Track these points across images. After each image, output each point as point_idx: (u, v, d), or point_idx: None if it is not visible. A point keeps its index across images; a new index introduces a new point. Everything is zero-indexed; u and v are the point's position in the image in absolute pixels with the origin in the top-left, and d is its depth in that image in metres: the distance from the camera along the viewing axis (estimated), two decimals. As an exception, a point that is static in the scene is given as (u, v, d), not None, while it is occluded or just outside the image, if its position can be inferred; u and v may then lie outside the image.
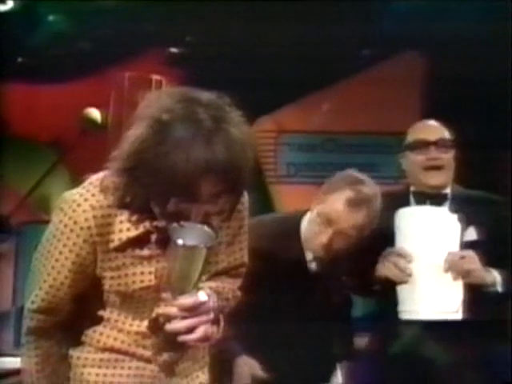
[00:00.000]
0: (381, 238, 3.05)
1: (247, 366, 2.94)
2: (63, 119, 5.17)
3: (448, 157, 3.26)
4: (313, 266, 2.99)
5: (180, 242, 1.90)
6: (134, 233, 1.98)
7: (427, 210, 3.20)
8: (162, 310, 1.98)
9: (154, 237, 1.99)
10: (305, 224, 2.96)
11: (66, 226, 1.98)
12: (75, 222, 1.97)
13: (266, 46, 5.06)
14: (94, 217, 1.96)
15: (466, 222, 3.12)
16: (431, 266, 3.08)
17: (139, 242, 1.99)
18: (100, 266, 2.00)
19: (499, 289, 3.11)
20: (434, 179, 3.22)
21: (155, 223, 1.96)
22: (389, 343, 3.15)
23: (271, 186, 5.76)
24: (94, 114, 4.69)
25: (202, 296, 1.97)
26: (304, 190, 5.50)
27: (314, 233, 2.92)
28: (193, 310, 1.93)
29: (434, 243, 3.11)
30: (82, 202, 1.98)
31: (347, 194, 2.88)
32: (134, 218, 1.95)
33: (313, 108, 5.71)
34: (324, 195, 2.93)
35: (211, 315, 1.97)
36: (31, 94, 5.40)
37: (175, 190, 1.81)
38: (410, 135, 3.34)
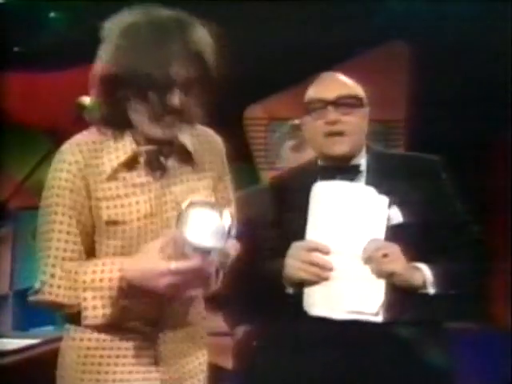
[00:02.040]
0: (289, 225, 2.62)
1: None
2: (59, 107, 4.89)
3: (351, 119, 2.65)
4: None
5: (189, 239, 1.87)
6: (122, 158, 2.11)
7: (336, 186, 2.61)
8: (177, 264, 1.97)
9: (142, 160, 2.12)
10: None
11: (56, 170, 2.14)
12: (64, 161, 2.12)
13: (254, 33, 5.12)
14: (81, 151, 2.11)
15: (390, 199, 2.56)
16: (348, 257, 2.57)
17: (129, 167, 2.13)
18: (95, 197, 2.10)
19: (430, 290, 2.57)
20: (336, 147, 2.63)
21: (142, 148, 2.12)
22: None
23: (262, 172, 5.77)
24: (88, 101, 4.64)
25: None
26: None
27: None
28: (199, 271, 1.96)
29: (349, 228, 2.56)
30: (68, 144, 2.16)
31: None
32: (120, 144, 2.11)
33: (303, 96, 5.71)
34: None
35: (212, 273, 2.03)
36: (27, 82, 5.44)
37: (152, 78, 1.99)
38: (306, 94, 2.80)
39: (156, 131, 2.07)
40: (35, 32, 5.13)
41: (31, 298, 2.15)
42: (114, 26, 2.05)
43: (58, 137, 5.11)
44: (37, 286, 2.14)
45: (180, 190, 2.12)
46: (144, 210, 2.11)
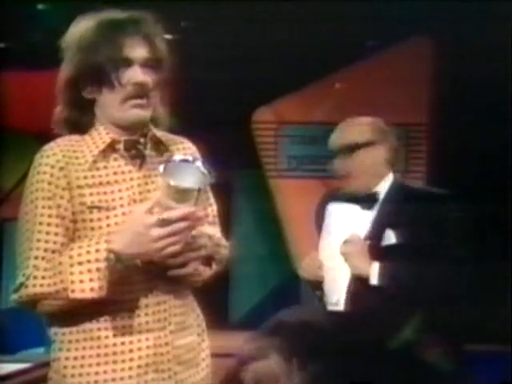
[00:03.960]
0: None
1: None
2: (51, 108, 5.12)
3: (356, 162, 3.16)
4: None
5: (172, 182, 2.03)
6: (101, 146, 2.24)
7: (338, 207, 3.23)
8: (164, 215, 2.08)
9: (121, 148, 2.25)
10: None
11: (35, 167, 2.24)
12: (41, 157, 2.24)
13: (264, 31, 5.08)
14: (59, 146, 2.24)
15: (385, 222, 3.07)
16: (328, 256, 3.16)
17: (109, 157, 2.25)
18: (77, 186, 2.19)
19: (372, 281, 3.00)
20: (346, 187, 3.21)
21: (121, 137, 2.25)
22: None
23: (271, 180, 5.77)
24: None
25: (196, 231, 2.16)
26: (306, 184, 5.55)
27: None
28: (185, 219, 2.08)
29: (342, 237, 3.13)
30: (46, 145, 2.28)
31: None
32: (96, 136, 2.25)
33: (315, 98, 5.70)
34: None
35: (202, 252, 2.19)
36: (17, 82, 5.36)
37: (111, 61, 2.19)
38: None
39: (129, 113, 2.22)
40: (23, 26, 5.12)
41: (13, 296, 2.18)
42: (71, 32, 2.25)
43: (49, 141, 5.53)
44: (18, 281, 2.16)
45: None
46: (127, 198, 2.22)
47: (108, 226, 2.19)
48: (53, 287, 2.14)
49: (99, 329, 2.19)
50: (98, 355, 2.18)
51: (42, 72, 5.10)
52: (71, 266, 2.12)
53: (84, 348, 2.20)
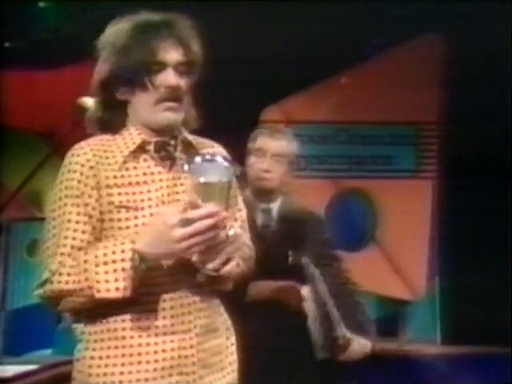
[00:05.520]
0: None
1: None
2: (57, 108, 5.26)
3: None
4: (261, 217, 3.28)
5: (201, 179, 2.07)
6: (132, 147, 2.27)
7: None
8: (189, 214, 2.09)
9: (152, 149, 2.28)
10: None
11: (65, 165, 2.26)
12: (72, 155, 2.26)
13: (271, 28, 5.08)
14: (89, 145, 2.27)
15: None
16: None
17: (139, 157, 2.28)
18: (106, 185, 2.23)
19: None
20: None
21: (152, 138, 2.28)
22: None
23: None
24: (90, 103, 4.47)
25: (232, 231, 2.18)
26: (315, 185, 5.56)
27: (255, 167, 3.30)
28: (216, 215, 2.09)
29: None
30: (77, 144, 2.28)
31: (267, 131, 3.43)
32: (127, 136, 2.29)
33: (323, 96, 5.71)
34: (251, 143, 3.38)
35: (237, 253, 2.19)
36: (21, 81, 5.38)
37: (146, 64, 2.22)
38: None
39: (162, 116, 2.26)
40: (27, 25, 5.13)
41: (37, 292, 2.21)
42: (107, 34, 2.29)
43: (55, 141, 5.36)
44: (44, 277, 2.18)
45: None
46: (156, 199, 2.25)
47: (135, 226, 2.22)
48: (77, 284, 2.16)
49: (124, 329, 2.21)
50: (123, 355, 2.21)
51: (46, 70, 5.43)
52: (97, 265, 2.14)
53: (109, 348, 2.21)
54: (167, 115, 2.26)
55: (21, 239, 5.61)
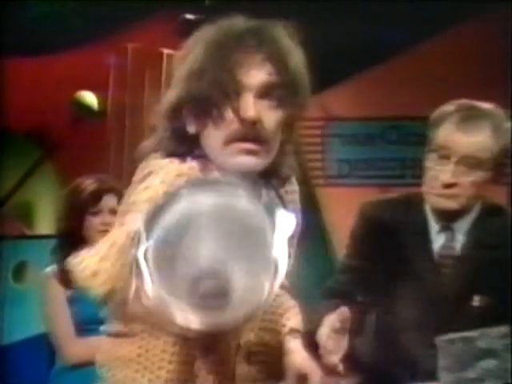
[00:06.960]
0: None
1: None
2: (49, 103, 5.16)
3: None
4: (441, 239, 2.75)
5: None
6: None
7: None
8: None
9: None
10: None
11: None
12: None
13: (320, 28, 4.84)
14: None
15: None
16: None
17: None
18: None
19: None
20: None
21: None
22: None
23: (318, 189, 5.60)
24: (89, 97, 4.76)
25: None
26: (360, 194, 5.21)
27: (433, 174, 2.69)
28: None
29: None
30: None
31: (456, 116, 2.68)
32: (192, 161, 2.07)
33: (368, 89, 5.50)
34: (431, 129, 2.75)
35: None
36: (7, 68, 5.17)
37: (220, 86, 1.94)
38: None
39: (234, 161, 1.98)
40: (15, 9, 4.98)
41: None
42: (184, 50, 2.04)
43: (47, 142, 5.46)
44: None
45: None
46: None
47: None
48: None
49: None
50: None
51: (37, 58, 5.24)
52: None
53: None
54: (240, 160, 1.96)
55: (6, 262, 5.48)
